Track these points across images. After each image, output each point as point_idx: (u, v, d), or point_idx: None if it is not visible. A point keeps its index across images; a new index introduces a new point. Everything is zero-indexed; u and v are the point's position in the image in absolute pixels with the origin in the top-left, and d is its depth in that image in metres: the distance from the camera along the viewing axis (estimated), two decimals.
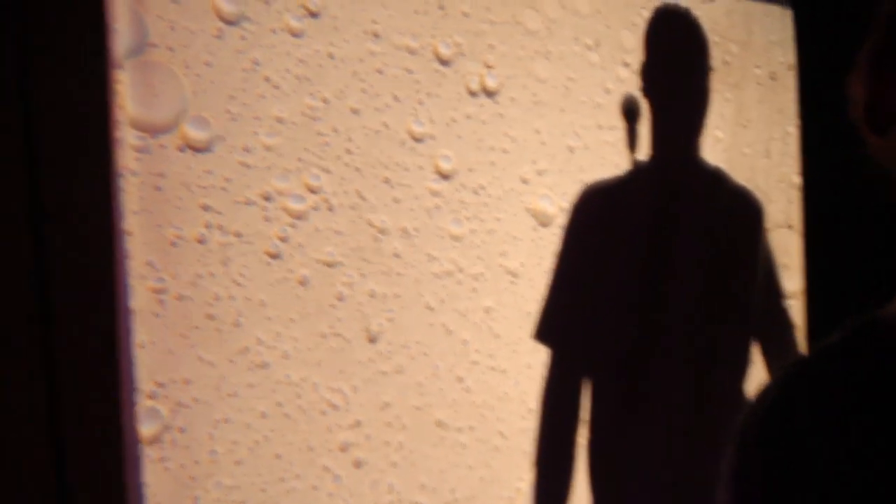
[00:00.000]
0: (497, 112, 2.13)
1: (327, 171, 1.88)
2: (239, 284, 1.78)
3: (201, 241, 1.75)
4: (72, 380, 1.54)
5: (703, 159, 2.22)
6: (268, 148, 1.82)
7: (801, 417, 0.87)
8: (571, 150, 2.23)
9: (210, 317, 1.75)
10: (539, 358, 2.13)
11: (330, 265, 1.88)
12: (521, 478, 2.12)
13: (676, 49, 2.20)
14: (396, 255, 1.96)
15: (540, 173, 2.18)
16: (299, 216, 1.85)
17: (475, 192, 2.08)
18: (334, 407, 1.87)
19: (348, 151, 1.91)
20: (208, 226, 1.75)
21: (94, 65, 1.58)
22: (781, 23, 2.58)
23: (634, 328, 2.12)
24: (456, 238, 2.04)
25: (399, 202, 1.97)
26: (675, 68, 2.19)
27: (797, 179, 2.57)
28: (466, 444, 2.05)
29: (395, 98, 1.98)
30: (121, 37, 1.67)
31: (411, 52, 2.01)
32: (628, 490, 2.14)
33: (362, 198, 1.92)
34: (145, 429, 1.69)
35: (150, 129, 1.71)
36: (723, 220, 2.22)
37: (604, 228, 2.13)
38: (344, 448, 1.89)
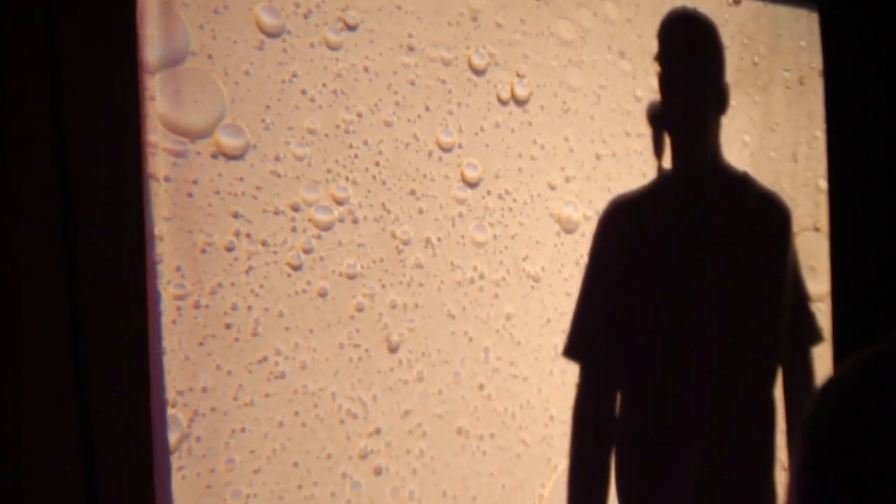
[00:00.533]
0: (526, 120, 2.13)
1: (355, 182, 1.90)
2: (257, 295, 1.79)
3: (230, 249, 1.77)
4: (101, 385, 1.57)
5: (728, 164, 2.19)
6: (299, 158, 1.84)
7: (877, 405, 0.87)
8: (599, 157, 2.22)
9: (228, 326, 1.76)
10: (560, 365, 2.12)
11: (351, 277, 1.89)
12: (544, 484, 2.12)
13: (692, 53, 2.15)
14: (419, 266, 1.97)
15: (567, 180, 2.18)
16: (326, 227, 1.86)
17: (500, 198, 2.08)
18: (353, 416, 1.88)
19: (377, 164, 1.93)
20: (237, 234, 1.77)
21: (125, 73, 1.63)
22: (809, 26, 2.55)
23: (665, 340, 2.09)
24: (479, 244, 2.04)
25: (424, 213, 1.98)
26: (693, 73, 2.13)
27: (824, 184, 2.53)
28: (488, 451, 2.04)
29: (427, 108, 2.00)
30: (162, 44, 1.71)
31: (445, 63, 2.02)
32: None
33: (387, 210, 1.93)
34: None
35: (188, 134, 1.74)
36: (750, 226, 2.18)
37: (631, 241, 2.10)
38: (364, 455, 1.89)
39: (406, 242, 1.95)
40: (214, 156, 1.76)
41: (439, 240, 1.99)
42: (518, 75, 2.11)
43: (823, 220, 2.55)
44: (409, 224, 1.95)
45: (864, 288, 2.57)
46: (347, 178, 1.89)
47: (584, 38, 2.20)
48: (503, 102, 2.09)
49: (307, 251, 1.84)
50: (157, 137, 1.69)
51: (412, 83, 1.98)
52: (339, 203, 1.88)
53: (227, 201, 1.76)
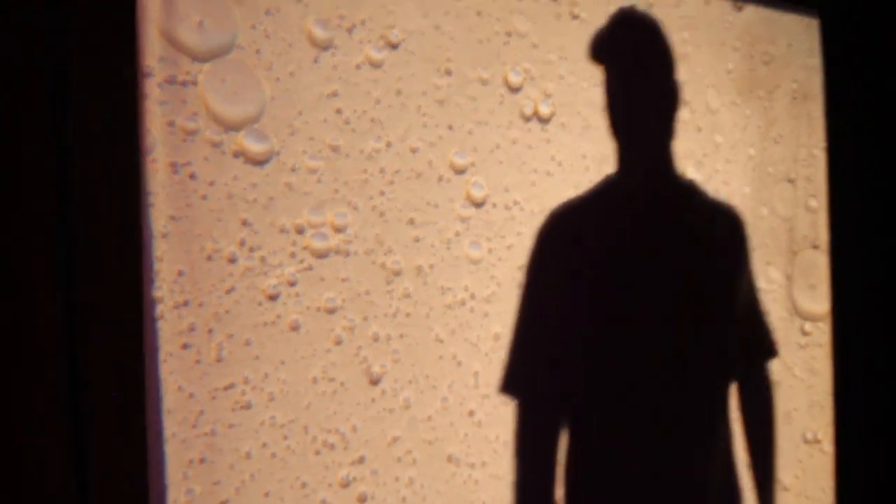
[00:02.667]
0: (545, 137, 2.10)
1: (356, 208, 1.90)
2: (221, 320, 1.78)
3: (232, 260, 1.78)
4: (96, 387, 1.60)
5: (676, 171, 2.08)
6: (311, 171, 1.86)
7: None
8: None
9: (186, 346, 1.75)
10: None
11: (330, 311, 1.88)
12: None
13: (636, 52, 2.06)
14: (407, 296, 1.95)
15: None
16: (321, 255, 1.87)
17: (507, 208, 2.05)
18: (331, 446, 1.87)
19: (382, 193, 1.93)
20: (242, 244, 1.78)
21: (125, 66, 1.66)
22: (808, 33, 2.48)
23: (610, 358, 1.99)
24: (474, 262, 2.02)
25: (419, 241, 1.97)
26: (638, 72, 2.05)
27: (814, 203, 2.46)
28: (480, 480, 2.01)
29: (450, 127, 1.99)
30: (211, 34, 1.76)
31: (483, 82, 2.03)
32: None
33: (380, 242, 1.92)
34: None
35: (225, 125, 1.78)
36: (699, 236, 2.08)
37: (569, 255, 1.99)
38: (346, 484, 1.88)
39: (397, 273, 1.93)
40: (236, 155, 1.79)
41: (431, 267, 1.97)
42: (546, 95, 2.08)
43: (824, 236, 2.49)
44: (401, 254, 1.94)
45: (864, 305, 2.54)
46: (349, 203, 1.89)
47: None
48: (526, 119, 2.07)
49: (291, 283, 1.84)
50: (196, 124, 1.74)
51: (441, 102, 1.98)
52: (337, 230, 1.88)
53: (238, 207, 1.78)
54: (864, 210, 2.46)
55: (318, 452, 1.85)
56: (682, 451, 2.00)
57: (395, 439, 1.91)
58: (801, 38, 2.47)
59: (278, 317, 1.81)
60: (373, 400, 1.89)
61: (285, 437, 1.81)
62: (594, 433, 1.98)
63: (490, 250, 2.02)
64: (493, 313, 2.01)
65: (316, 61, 1.86)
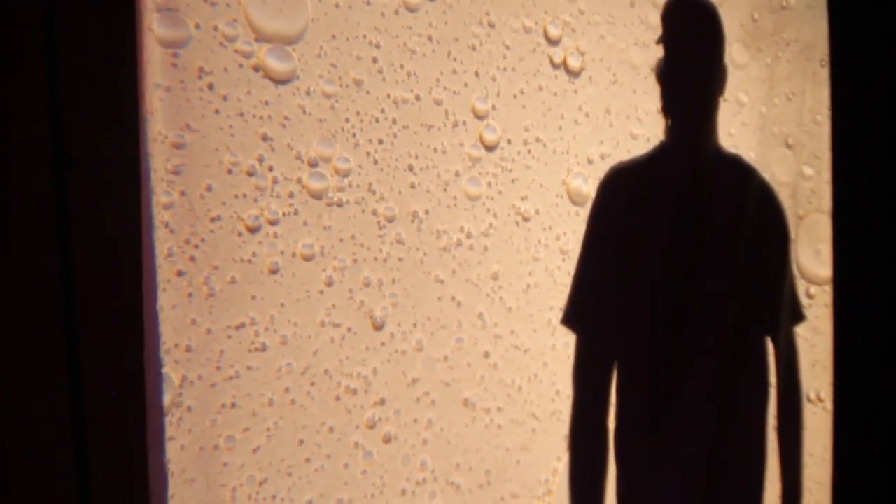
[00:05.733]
0: (571, 88, 2.14)
1: (357, 145, 1.89)
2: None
3: (251, 174, 1.78)
4: (95, 354, 1.60)
5: (722, 146, 2.20)
6: (327, 96, 1.85)
7: None
8: (635, 137, 2.24)
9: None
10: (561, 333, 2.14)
11: (307, 259, 1.88)
12: (559, 458, 2.16)
13: (698, 35, 2.18)
14: (399, 242, 1.96)
15: (603, 157, 2.19)
16: (317, 196, 1.87)
17: (525, 143, 2.07)
18: (353, 391, 1.90)
19: (395, 135, 1.93)
20: (261, 159, 1.79)
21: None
22: None
23: (664, 315, 2.10)
24: (472, 198, 2.03)
25: (415, 187, 1.97)
26: (698, 54, 2.17)
27: (809, 171, 2.53)
28: (503, 425, 2.07)
29: (477, 74, 2.00)
30: None
31: (526, 30, 2.06)
32: (657, 477, 2.13)
33: (371, 191, 1.93)
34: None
35: (274, 39, 1.79)
36: (753, 208, 2.20)
37: (632, 213, 2.11)
38: (371, 425, 1.92)
39: (390, 219, 1.94)
40: (256, 69, 1.78)
41: (427, 212, 1.97)
42: (578, 51, 2.12)
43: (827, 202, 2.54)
44: (394, 201, 1.94)
45: (867, 271, 2.58)
46: (356, 142, 1.88)
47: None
48: (555, 66, 2.11)
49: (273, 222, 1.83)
50: (235, 31, 1.75)
51: (473, 48, 1.99)
52: (339, 174, 1.88)
53: (250, 123, 1.77)
54: (868, 176, 2.51)
55: (338, 398, 1.89)
56: (729, 409, 2.13)
57: (415, 381, 1.96)
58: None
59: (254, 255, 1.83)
60: (382, 344, 1.93)
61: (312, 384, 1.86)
62: (642, 374, 2.10)
63: (489, 184, 2.04)
64: (492, 247, 2.05)
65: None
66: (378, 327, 1.91)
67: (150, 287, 1.68)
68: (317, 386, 1.85)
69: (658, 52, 2.21)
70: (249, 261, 1.80)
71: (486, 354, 2.04)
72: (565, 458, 2.13)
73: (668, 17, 2.16)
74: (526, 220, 2.08)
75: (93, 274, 1.60)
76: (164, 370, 1.73)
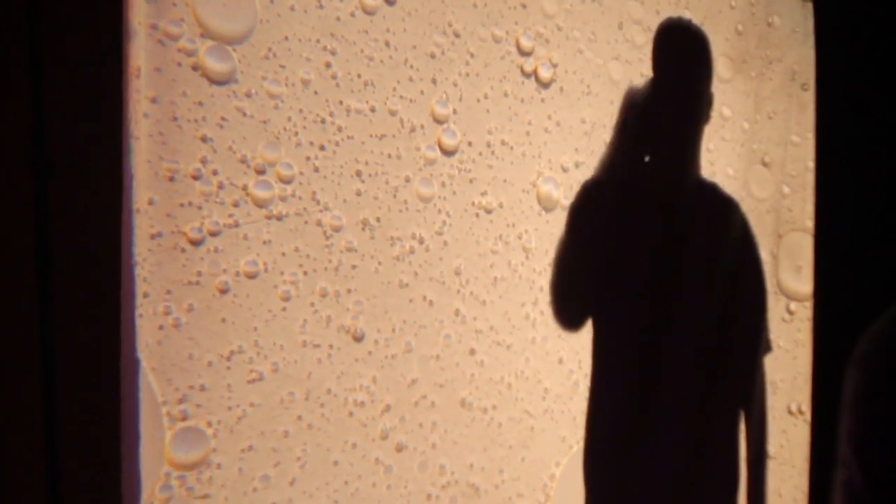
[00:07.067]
0: (539, 97, 2.14)
1: (299, 144, 1.83)
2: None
3: (196, 178, 1.71)
4: (70, 362, 1.58)
5: (701, 173, 2.28)
6: (272, 96, 1.79)
7: None
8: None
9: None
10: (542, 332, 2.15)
11: (251, 276, 1.81)
12: (558, 463, 2.18)
13: (687, 62, 2.26)
14: (351, 250, 1.91)
15: (577, 165, 2.21)
16: (261, 205, 1.79)
17: (488, 146, 2.06)
18: (360, 404, 1.90)
19: (336, 144, 1.88)
20: (204, 161, 1.72)
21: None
22: (803, 16, 2.55)
23: (645, 316, 2.16)
24: (424, 200, 1.98)
25: (361, 195, 1.91)
26: (687, 81, 2.25)
27: (787, 189, 2.53)
28: (503, 423, 2.08)
29: (434, 81, 1.98)
30: None
31: (496, 40, 2.06)
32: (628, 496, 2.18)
33: (315, 200, 1.86)
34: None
35: (221, 39, 1.74)
36: (735, 233, 2.26)
37: (616, 214, 2.17)
38: (384, 435, 1.93)
39: (337, 229, 1.89)
40: (194, 67, 1.71)
41: (378, 220, 1.93)
42: (551, 63, 2.14)
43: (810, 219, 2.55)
44: (341, 209, 1.88)
45: (847, 287, 2.57)
46: (302, 145, 1.83)
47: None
48: (525, 75, 2.11)
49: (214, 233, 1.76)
50: (180, 29, 1.69)
51: (432, 56, 1.98)
52: (283, 181, 1.82)
53: (196, 126, 1.71)
54: (848, 195, 2.51)
55: (350, 413, 1.89)
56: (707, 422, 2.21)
57: (414, 381, 1.96)
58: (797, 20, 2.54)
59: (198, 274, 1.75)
60: (370, 353, 1.91)
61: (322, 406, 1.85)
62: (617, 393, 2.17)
63: (443, 184, 2.00)
64: (452, 242, 2.01)
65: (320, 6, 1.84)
66: (358, 338, 1.90)
67: (128, 296, 1.65)
68: (327, 406, 1.85)
69: (640, 68, 2.23)
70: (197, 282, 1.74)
71: (472, 351, 2.04)
72: (564, 461, 2.16)
73: (659, 46, 2.22)
74: (488, 212, 2.06)
75: (70, 280, 1.59)
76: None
